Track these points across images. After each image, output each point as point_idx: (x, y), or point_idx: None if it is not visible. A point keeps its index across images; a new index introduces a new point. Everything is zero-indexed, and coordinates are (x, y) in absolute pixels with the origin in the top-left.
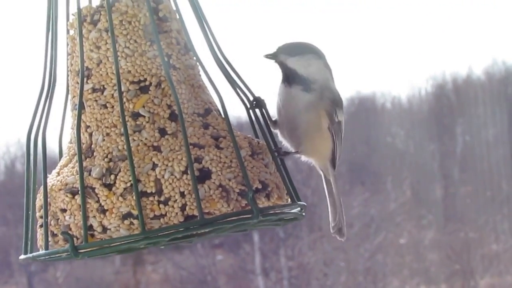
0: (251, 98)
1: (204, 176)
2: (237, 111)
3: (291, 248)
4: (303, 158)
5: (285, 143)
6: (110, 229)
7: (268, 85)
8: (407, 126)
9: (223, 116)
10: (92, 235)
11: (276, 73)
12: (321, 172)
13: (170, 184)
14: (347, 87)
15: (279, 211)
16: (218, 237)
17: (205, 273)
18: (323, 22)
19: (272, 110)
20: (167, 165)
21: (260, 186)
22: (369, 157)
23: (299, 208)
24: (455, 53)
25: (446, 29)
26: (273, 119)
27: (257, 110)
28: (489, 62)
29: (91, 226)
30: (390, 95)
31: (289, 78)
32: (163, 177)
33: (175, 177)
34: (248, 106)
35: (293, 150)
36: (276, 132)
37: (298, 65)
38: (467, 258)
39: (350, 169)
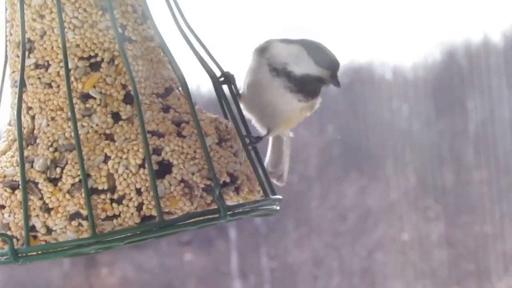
0: (219, 73)
1: (164, 170)
2: (208, 85)
3: (274, 245)
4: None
5: (249, 116)
6: (55, 230)
7: (239, 60)
8: (411, 100)
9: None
10: (35, 237)
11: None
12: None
13: (124, 179)
14: (340, 54)
15: (249, 208)
16: (181, 233)
17: (172, 276)
18: None
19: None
20: (121, 157)
21: (228, 179)
22: (366, 137)
23: (272, 203)
24: (468, 14)
25: None
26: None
27: (225, 87)
28: (508, 24)
29: (33, 226)
30: (390, 64)
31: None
32: (116, 171)
33: (131, 171)
34: (215, 82)
35: (261, 127)
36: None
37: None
38: (482, 257)
39: (343, 152)
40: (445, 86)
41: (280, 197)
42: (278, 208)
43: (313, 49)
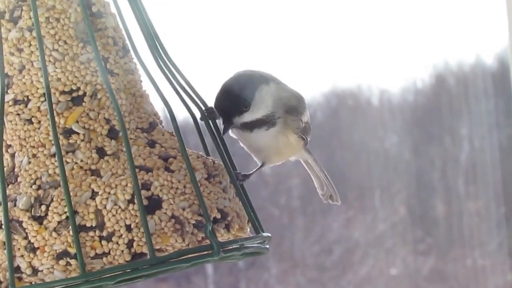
0: (203, 108)
1: (153, 205)
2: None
3: (255, 281)
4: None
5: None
6: (42, 271)
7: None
8: (399, 127)
9: (170, 131)
10: (20, 278)
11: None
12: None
13: (113, 216)
14: (323, 78)
15: (241, 245)
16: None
17: None
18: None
19: None
20: (109, 193)
21: (218, 216)
22: (351, 166)
23: (261, 241)
24: (461, 34)
25: (449, 4)
26: None
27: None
28: (501, 47)
29: (18, 267)
30: (377, 89)
31: (248, 126)
32: (105, 207)
33: (120, 207)
34: (199, 117)
35: (257, 161)
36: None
37: (256, 112)
38: None
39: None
40: (436, 112)
41: (270, 235)
42: (268, 246)
43: None
